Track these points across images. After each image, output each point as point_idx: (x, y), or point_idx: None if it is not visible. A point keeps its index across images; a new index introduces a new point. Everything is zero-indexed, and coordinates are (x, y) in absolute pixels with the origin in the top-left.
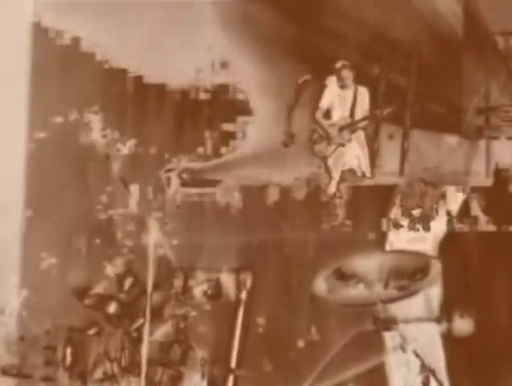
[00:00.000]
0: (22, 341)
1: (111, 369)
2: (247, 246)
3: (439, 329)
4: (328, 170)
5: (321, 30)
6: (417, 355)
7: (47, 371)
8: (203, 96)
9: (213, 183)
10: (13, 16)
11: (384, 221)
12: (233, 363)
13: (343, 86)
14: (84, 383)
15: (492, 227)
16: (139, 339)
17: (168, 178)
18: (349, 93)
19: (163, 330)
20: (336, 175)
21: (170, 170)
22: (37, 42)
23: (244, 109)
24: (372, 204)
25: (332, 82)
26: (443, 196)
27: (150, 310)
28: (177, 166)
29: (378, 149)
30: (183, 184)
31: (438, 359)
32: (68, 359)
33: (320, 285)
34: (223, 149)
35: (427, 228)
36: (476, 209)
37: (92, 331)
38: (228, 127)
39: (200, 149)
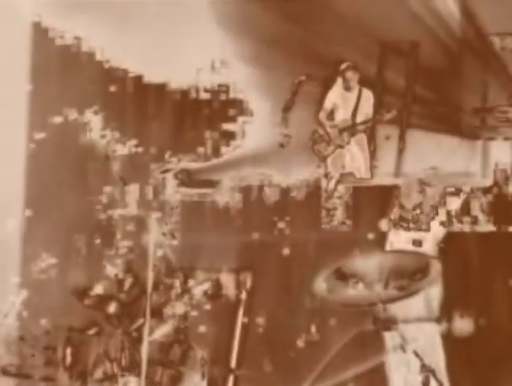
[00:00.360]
0: (22, 341)
1: (111, 369)
2: (247, 246)
3: (439, 329)
4: (327, 170)
5: (321, 30)
6: (417, 355)
7: (47, 371)
8: (203, 96)
9: (213, 183)
10: (13, 16)
11: (384, 221)
12: (233, 363)
13: (347, 88)
14: (84, 383)
15: (491, 227)
16: (139, 339)
17: (164, 179)
18: (353, 95)
19: (163, 330)
20: (335, 175)
21: (166, 171)
22: (37, 42)
23: (244, 109)
24: (372, 204)
25: (337, 83)
26: (442, 196)
27: (150, 310)
28: (174, 167)
29: (375, 150)
30: (181, 184)
31: (438, 359)
32: (68, 359)
33: (320, 285)
34: (223, 149)
35: (427, 228)
36: (475, 209)
37: (92, 331)
38: (228, 127)
39: (200, 149)
